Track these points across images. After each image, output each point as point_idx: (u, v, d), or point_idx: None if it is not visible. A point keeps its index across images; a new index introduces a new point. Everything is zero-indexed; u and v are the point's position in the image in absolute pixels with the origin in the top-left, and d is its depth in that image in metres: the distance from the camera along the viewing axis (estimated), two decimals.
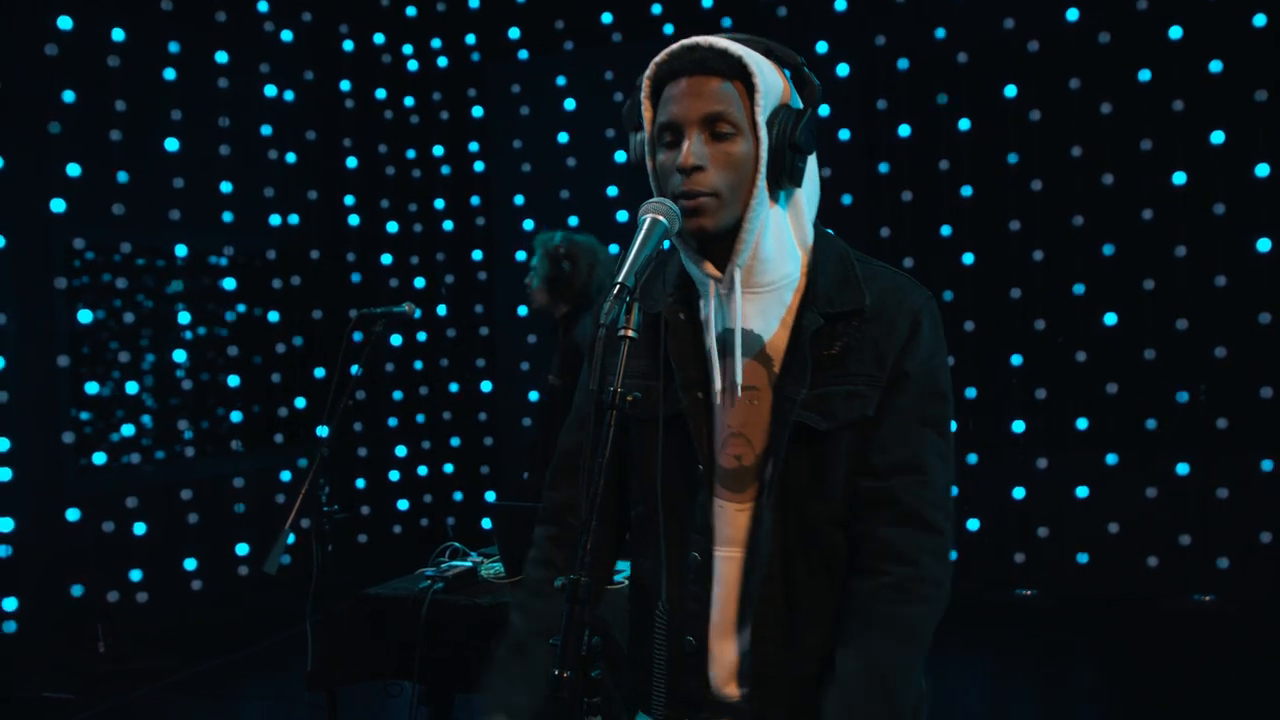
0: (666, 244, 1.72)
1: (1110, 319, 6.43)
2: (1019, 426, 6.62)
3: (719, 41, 1.73)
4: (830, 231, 1.92)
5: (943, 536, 1.78)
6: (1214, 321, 6.28)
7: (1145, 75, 6.36)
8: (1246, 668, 5.86)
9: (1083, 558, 6.55)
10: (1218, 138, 6.22)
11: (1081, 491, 6.54)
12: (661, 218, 1.68)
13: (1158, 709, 5.47)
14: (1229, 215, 6.20)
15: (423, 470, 8.14)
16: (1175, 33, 6.29)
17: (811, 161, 1.83)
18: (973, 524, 6.70)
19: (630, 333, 1.59)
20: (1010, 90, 6.62)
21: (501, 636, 1.98)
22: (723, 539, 1.83)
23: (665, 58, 1.76)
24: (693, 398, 1.83)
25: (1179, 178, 6.27)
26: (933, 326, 1.82)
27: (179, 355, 6.93)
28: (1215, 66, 6.22)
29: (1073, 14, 6.49)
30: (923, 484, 1.78)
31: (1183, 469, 6.36)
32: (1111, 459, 6.47)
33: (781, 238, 1.81)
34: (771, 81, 1.75)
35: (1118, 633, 6.30)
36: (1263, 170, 6.11)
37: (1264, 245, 6.13)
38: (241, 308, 7.26)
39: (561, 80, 7.71)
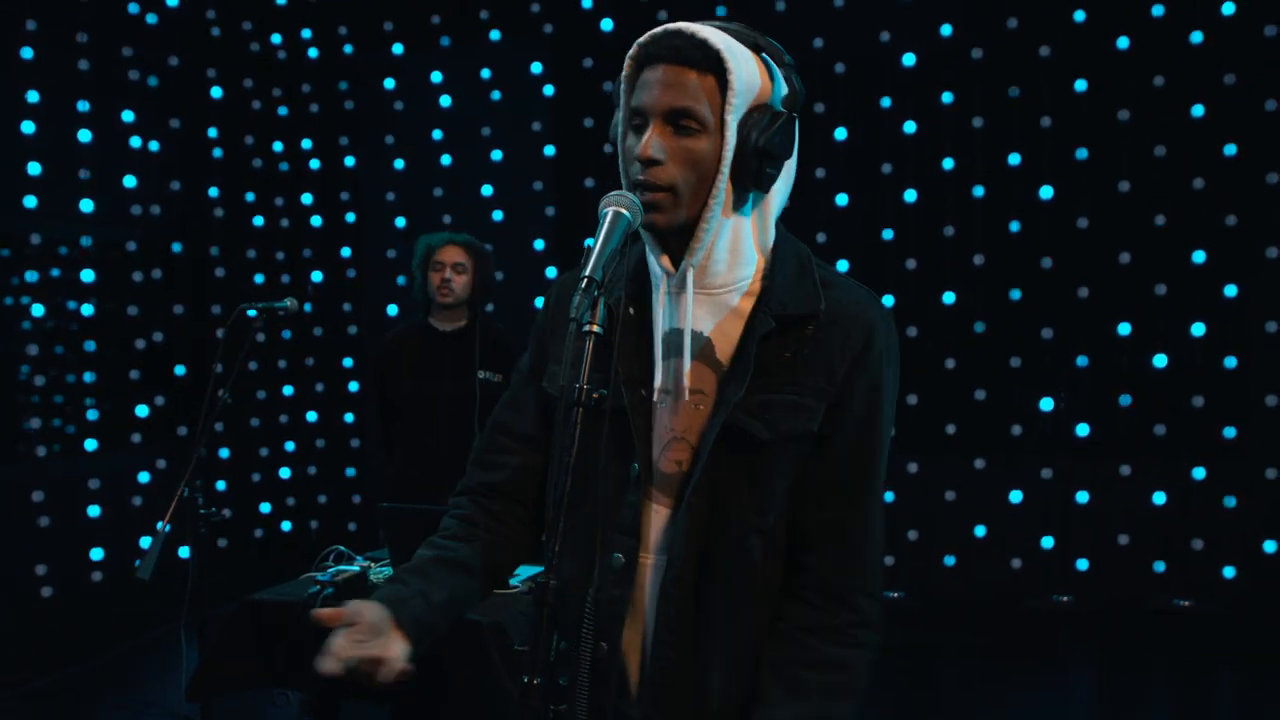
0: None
1: (979, 327, 6.61)
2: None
3: (702, 31, 1.67)
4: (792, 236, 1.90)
5: (877, 580, 1.79)
6: (1077, 331, 6.51)
7: (1015, 92, 6.55)
8: (1101, 666, 6.08)
9: (950, 560, 6.71)
10: (1082, 154, 6.44)
11: (949, 495, 6.70)
12: (624, 211, 1.65)
13: (1020, 706, 5.63)
14: (1092, 228, 6.43)
15: (285, 472, 7.91)
16: (1044, 51, 6.49)
17: (788, 165, 1.79)
18: None
19: (595, 328, 1.57)
20: (885, 101, 6.75)
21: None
22: (649, 542, 1.79)
23: (648, 39, 1.71)
24: (635, 395, 1.78)
25: (1046, 191, 6.48)
26: (886, 344, 1.77)
27: (30, 349, 6.60)
28: (1080, 85, 6.45)
29: (946, 29, 6.66)
30: (862, 524, 1.77)
31: (1046, 474, 6.56)
32: (980, 464, 6.64)
33: (740, 241, 1.76)
34: (750, 80, 1.69)
35: (982, 633, 6.47)
36: (1124, 185, 6.36)
37: (1125, 258, 6.37)
38: (99, 301, 6.94)
39: (437, 77, 7.59)
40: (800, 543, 1.77)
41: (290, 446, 7.91)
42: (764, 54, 1.72)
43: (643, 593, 1.79)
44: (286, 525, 7.89)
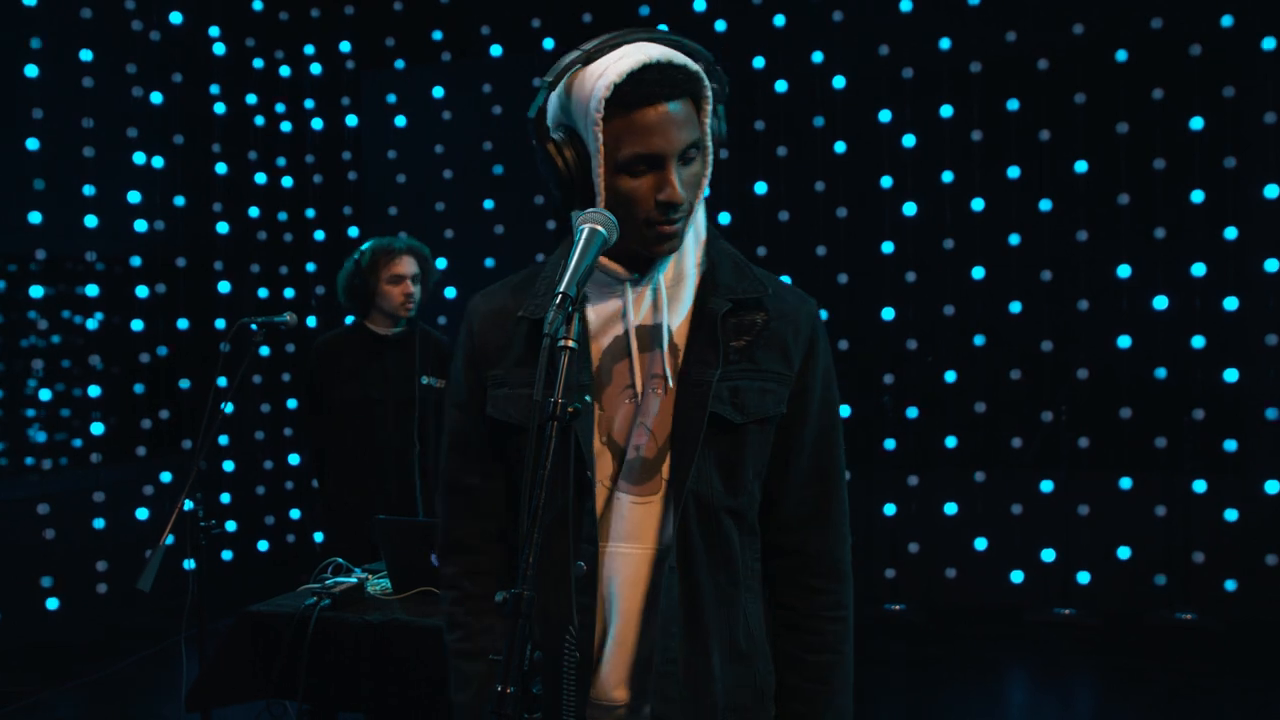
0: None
1: (979, 340, 6.62)
2: (890, 444, 6.76)
3: (677, 57, 1.72)
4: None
5: (849, 549, 1.95)
6: (1076, 343, 6.51)
7: (1014, 104, 6.57)
8: (1103, 679, 6.07)
9: (951, 573, 6.71)
10: (1081, 167, 6.46)
11: (950, 508, 6.70)
12: (600, 228, 1.66)
13: (1022, 719, 5.63)
14: (1092, 241, 6.44)
15: (289, 485, 7.94)
16: (1042, 64, 6.51)
17: None
18: None
19: (571, 343, 1.56)
20: (885, 115, 6.77)
21: (457, 689, 1.93)
22: (621, 535, 1.80)
23: (629, 81, 1.68)
24: (582, 402, 1.79)
25: (1045, 204, 6.49)
26: (825, 334, 1.92)
27: (36, 364, 6.65)
28: (1079, 98, 6.46)
29: (945, 43, 6.68)
30: (839, 500, 1.91)
31: (1046, 486, 6.56)
32: (979, 476, 6.64)
33: (691, 235, 1.85)
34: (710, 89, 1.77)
35: (984, 646, 6.47)
36: (1123, 199, 6.36)
37: (1124, 271, 6.38)
38: (103, 315, 6.98)
39: (439, 92, 7.64)
40: (784, 527, 1.89)
41: (294, 459, 7.94)
42: (695, 52, 1.78)
43: (624, 585, 1.80)
44: (291, 537, 7.91)
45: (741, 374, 1.80)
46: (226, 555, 7.44)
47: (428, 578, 3.75)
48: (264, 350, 7.67)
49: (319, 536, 7.88)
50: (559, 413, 1.56)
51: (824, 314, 6.60)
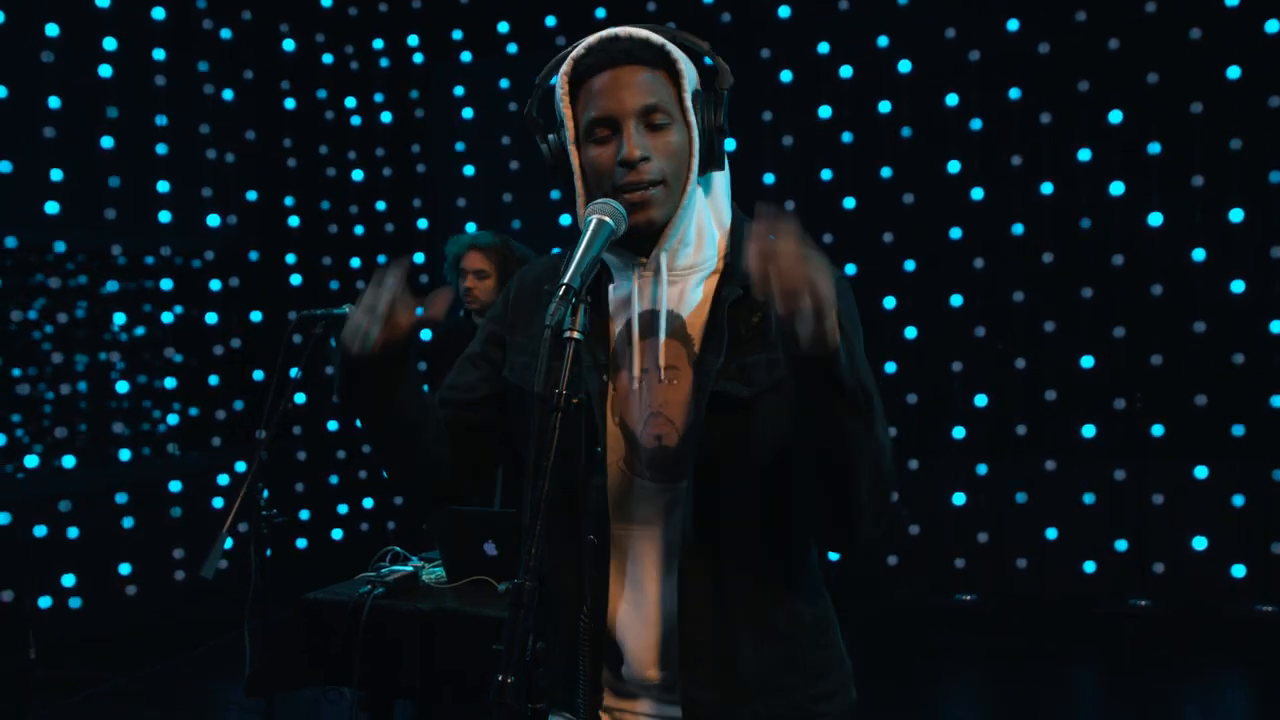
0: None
1: (1048, 326, 6.51)
2: (959, 433, 6.68)
3: (638, 31, 1.76)
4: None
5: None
6: (1150, 330, 6.37)
7: (1084, 85, 6.45)
8: (1179, 672, 5.95)
9: (1021, 562, 6.60)
10: (1154, 148, 6.31)
11: (1020, 497, 6.60)
12: (608, 219, 1.68)
13: (1094, 712, 5.53)
14: (1166, 225, 6.29)
15: (363, 474, 8.05)
16: (1113, 44, 6.38)
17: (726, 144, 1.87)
18: (913, 529, 6.75)
19: (576, 335, 1.57)
20: (951, 99, 6.68)
21: None
22: (640, 518, 1.83)
23: (584, 52, 1.77)
24: (598, 380, 1.84)
25: (1116, 188, 6.36)
26: (845, 297, 1.78)
27: (114, 357, 6.80)
28: (1152, 78, 6.32)
29: (1013, 24, 6.58)
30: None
31: (1119, 475, 6.43)
32: (1050, 465, 6.53)
33: (703, 222, 1.84)
34: (690, 68, 1.79)
35: (1056, 636, 6.38)
36: (1198, 181, 6.21)
37: (1199, 255, 6.24)
38: (179, 309, 7.12)
39: (505, 83, 7.67)
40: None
41: (367, 449, 8.03)
42: (682, 42, 1.81)
43: (639, 567, 1.84)
44: (364, 526, 8.02)
45: (751, 350, 1.79)
46: (301, 544, 7.56)
47: (481, 567, 3.79)
48: (334, 342, 7.75)
49: (391, 524, 8.00)
50: (563, 404, 1.57)
51: (890, 301, 6.66)
